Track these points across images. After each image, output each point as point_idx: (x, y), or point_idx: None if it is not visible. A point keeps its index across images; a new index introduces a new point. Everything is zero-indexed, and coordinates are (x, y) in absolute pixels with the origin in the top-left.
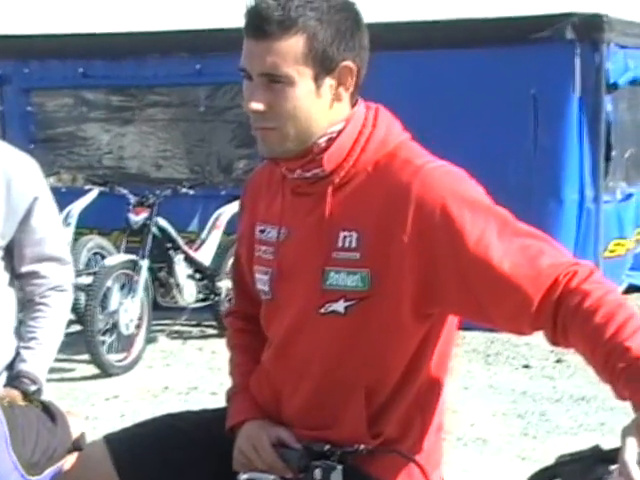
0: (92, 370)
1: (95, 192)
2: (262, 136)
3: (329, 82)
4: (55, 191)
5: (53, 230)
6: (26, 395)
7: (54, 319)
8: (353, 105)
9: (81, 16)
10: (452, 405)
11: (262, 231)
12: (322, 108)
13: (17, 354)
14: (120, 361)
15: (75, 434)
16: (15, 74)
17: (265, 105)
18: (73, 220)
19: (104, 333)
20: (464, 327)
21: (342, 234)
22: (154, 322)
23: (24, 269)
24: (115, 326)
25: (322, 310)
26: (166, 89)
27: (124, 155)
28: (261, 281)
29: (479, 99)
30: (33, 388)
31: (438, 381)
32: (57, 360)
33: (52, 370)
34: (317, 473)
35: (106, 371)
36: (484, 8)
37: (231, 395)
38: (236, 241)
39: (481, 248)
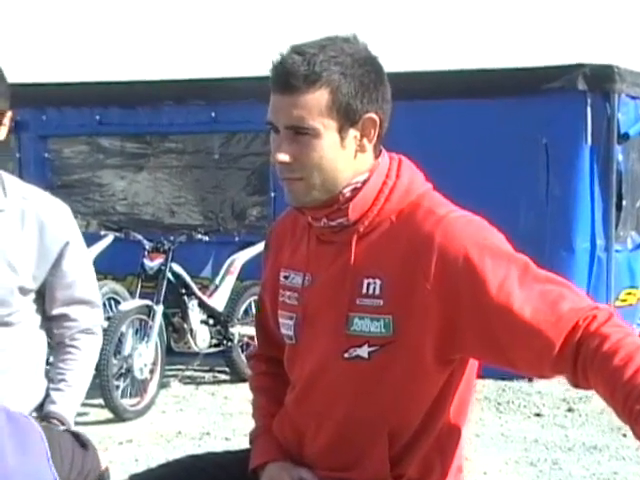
0: (106, 414)
1: (110, 238)
2: (289, 186)
3: (353, 133)
4: None
5: (84, 274)
6: None
7: (83, 362)
8: (377, 156)
9: (97, 64)
10: (464, 453)
11: (286, 277)
12: (347, 159)
13: (47, 395)
14: (133, 406)
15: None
16: (32, 121)
17: (291, 157)
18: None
19: (118, 378)
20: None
21: (366, 281)
22: (167, 367)
23: (55, 312)
24: (129, 371)
25: (346, 355)
26: (181, 136)
27: (139, 201)
28: (285, 326)
29: (492, 149)
30: (62, 429)
31: (458, 424)
32: None
33: None
34: None
35: (119, 415)
36: (496, 59)
37: (254, 437)
38: (260, 286)
39: (503, 295)
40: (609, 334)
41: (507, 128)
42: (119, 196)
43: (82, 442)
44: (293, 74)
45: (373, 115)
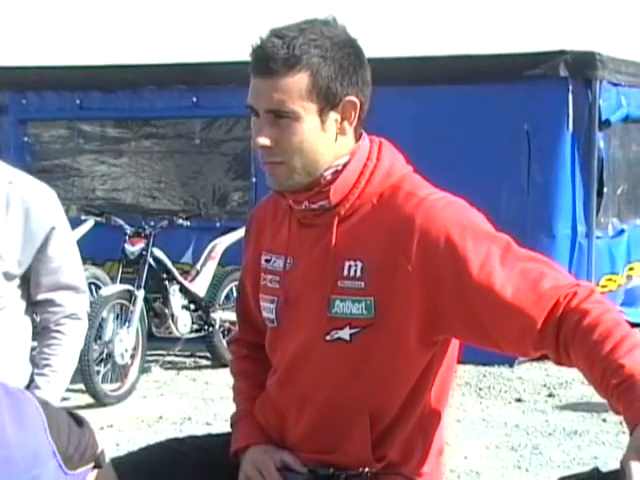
0: (86, 399)
1: (91, 222)
2: (270, 170)
3: (334, 116)
4: None
5: (69, 259)
6: None
7: (68, 347)
8: (357, 139)
9: (78, 48)
10: (445, 438)
11: (268, 260)
12: (327, 142)
13: (31, 380)
14: (114, 391)
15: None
16: (12, 105)
17: (272, 140)
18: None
19: (99, 363)
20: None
21: (347, 263)
22: (148, 352)
23: (40, 297)
24: (110, 356)
25: (328, 337)
26: (162, 121)
27: (119, 186)
28: (267, 309)
29: (473, 135)
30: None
31: (439, 407)
32: None
33: None
34: None
35: (100, 400)
36: (478, 45)
37: (235, 420)
38: (241, 270)
39: (484, 274)
40: (589, 310)
41: (489, 114)
42: (100, 181)
43: (78, 420)
44: (273, 58)
45: (353, 98)
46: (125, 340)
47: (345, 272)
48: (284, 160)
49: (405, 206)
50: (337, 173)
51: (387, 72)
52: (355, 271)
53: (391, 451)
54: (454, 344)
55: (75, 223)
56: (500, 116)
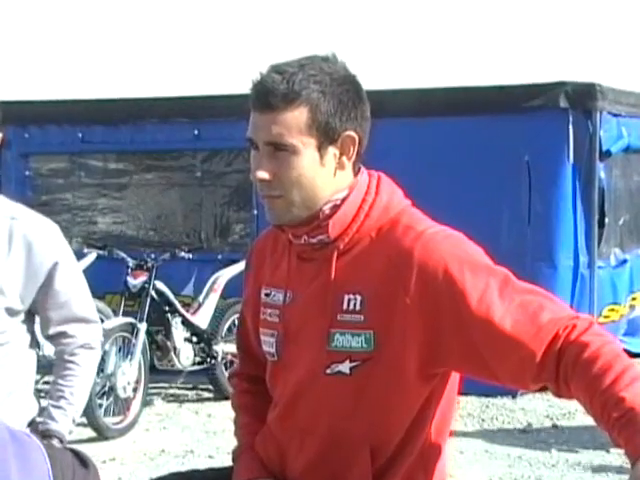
0: (89, 433)
1: (93, 255)
2: (269, 204)
3: (332, 151)
4: None
5: (77, 292)
6: None
7: (82, 377)
8: (356, 173)
9: (80, 82)
10: (448, 469)
11: (268, 294)
12: (326, 176)
13: (41, 412)
14: (117, 424)
15: None
16: (14, 139)
17: (271, 174)
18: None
19: (101, 396)
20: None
21: (347, 297)
22: (150, 385)
23: (52, 331)
24: (112, 389)
25: (328, 371)
26: (164, 154)
27: (122, 219)
28: (267, 343)
29: (474, 166)
30: (61, 447)
31: (440, 440)
32: None
33: None
34: None
35: (103, 434)
36: (479, 77)
37: (237, 455)
38: (242, 303)
39: (483, 308)
40: (589, 342)
41: (490, 146)
42: (101, 214)
43: (82, 460)
44: (272, 92)
45: (352, 133)
46: (127, 373)
47: (345, 306)
48: (283, 194)
49: (404, 239)
50: (336, 207)
51: (388, 104)
52: (355, 304)
53: None
54: (454, 377)
55: (77, 256)
56: (501, 147)
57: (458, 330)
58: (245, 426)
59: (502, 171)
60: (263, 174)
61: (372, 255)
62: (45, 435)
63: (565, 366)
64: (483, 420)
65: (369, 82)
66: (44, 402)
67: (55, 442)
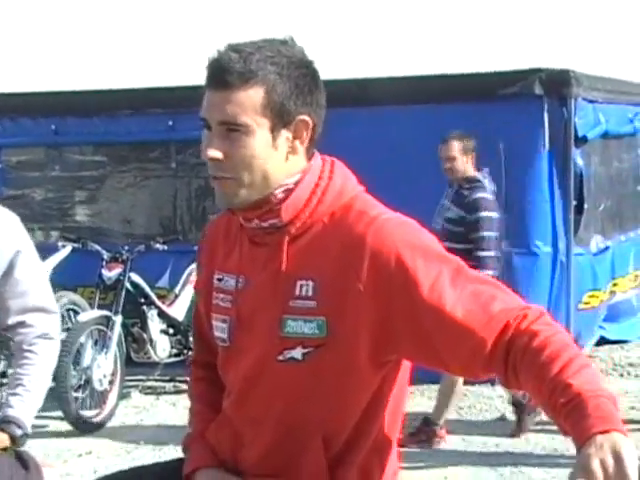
0: (65, 426)
1: (68, 249)
2: (219, 186)
3: (285, 134)
4: None
5: (37, 281)
6: (13, 439)
7: (40, 366)
8: (309, 158)
9: (54, 74)
10: (426, 458)
11: (220, 279)
12: (278, 159)
13: (5, 400)
14: (93, 417)
15: None
16: None
17: (222, 153)
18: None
19: (77, 389)
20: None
21: (299, 283)
22: (127, 378)
23: (10, 321)
24: (88, 382)
25: (280, 357)
26: (138, 145)
27: (97, 212)
28: (219, 329)
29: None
30: (19, 433)
31: (394, 428)
32: None
33: None
34: None
35: (79, 427)
36: (453, 64)
37: (187, 444)
38: (195, 289)
39: (435, 295)
40: (538, 331)
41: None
42: (76, 207)
43: (25, 463)
44: (228, 70)
45: (306, 118)
46: (103, 366)
47: (297, 291)
48: (233, 176)
49: (356, 225)
50: (288, 191)
51: (358, 92)
52: (307, 290)
53: (348, 475)
54: (406, 366)
55: (52, 249)
56: (475, 135)
57: (409, 317)
58: (198, 414)
59: (477, 159)
60: (215, 152)
61: (324, 240)
62: (3, 422)
63: (514, 355)
64: (461, 408)
65: (341, 71)
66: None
67: (14, 428)
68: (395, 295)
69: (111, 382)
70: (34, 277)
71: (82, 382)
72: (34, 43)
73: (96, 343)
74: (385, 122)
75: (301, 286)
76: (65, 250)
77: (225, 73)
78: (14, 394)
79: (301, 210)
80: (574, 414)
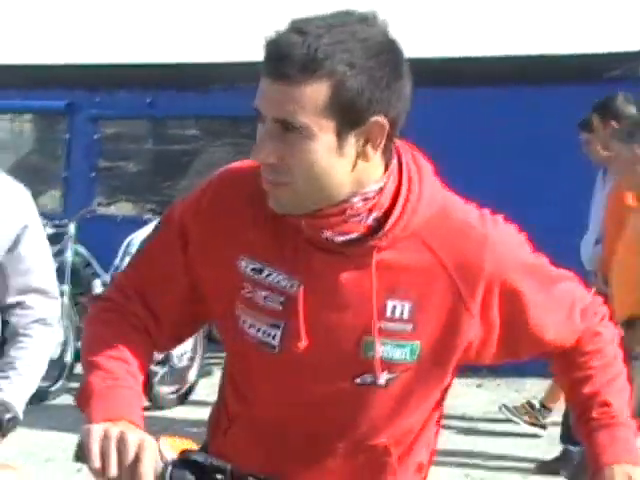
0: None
1: (156, 221)
2: (271, 190)
3: (355, 139)
4: (114, 220)
5: (41, 261)
6: (0, 423)
7: (35, 351)
8: (387, 162)
9: (150, 46)
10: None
11: (259, 271)
12: (344, 167)
13: None
14: (172, 393)
15: None
16: (84, 103)
17: (276, 158)
18: (134, 249)
19: (156, 365)
20: None
21: (391, 303)
22: (209, 355)
23: (9, 300)
24: (168, 358)
25: (358, 380)
26: (232, 120)
27: (189, 186)
28: (264, 332)
29: (551, 138)
30: (8, 416)
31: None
32: None
33: None
34: None
35: (157, 403)
36: (555, 45)
37: (109, 385)
38: (177, 250)
39: (538, 327)
40: (601, 350)
41: (567, 117)
42: (169, 180)
43: None
44: (288, 58)
45: (381, 119)
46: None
47: (389, 313)
48: (289, 181)
49: (468, 244)
50: (367, 200)
51: (455, 73)
52: (402, 312)
53: (408, 473)
54: None
55: (143, 223)
56: (578, 119)
57: (510, 339)
58: (127, 360)
59: (577, 144)
60: (267, 157)
61: (424, 256)
62: None
63: (575, 364)
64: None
65: (436, 49)
66: None
67: (1, 411)
68: (504, 317)
69: (191, 359)
70: (39, 256)
71: (161, 358)
72: (132, 15)
73: None
74: (483, 104)
75: (394, 307)
76: (153, 223)
77: (284, 62)
78: (4, 377)
79: (394, 224)
80: (603, 434)
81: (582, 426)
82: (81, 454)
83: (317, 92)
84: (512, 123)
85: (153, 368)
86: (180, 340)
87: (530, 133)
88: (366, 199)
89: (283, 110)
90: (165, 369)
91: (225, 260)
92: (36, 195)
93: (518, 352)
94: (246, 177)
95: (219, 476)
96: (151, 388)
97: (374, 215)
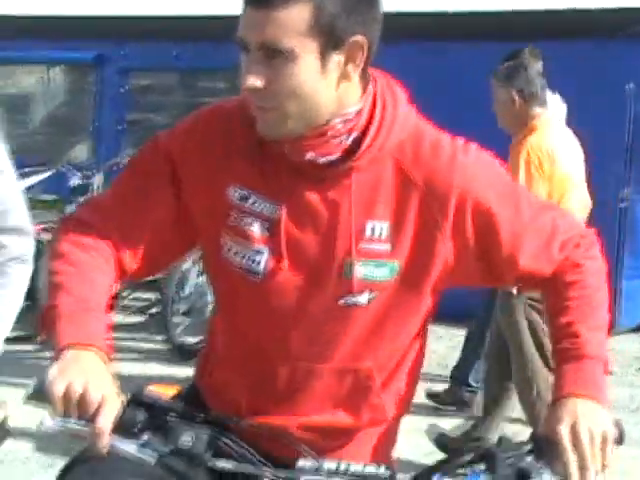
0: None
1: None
2: (261, 116)
3: (336, 58)
4: None
5: (16, 201)
6: None
7: (12, 289)
8: (366, 84)
9: None
10: None
11: (245, 198)
12: (328, 87)
13: None
14: (196, 344)
15: None
16: (113, 55)
17: (264, 81)
18: None
19: (181, 315)
20: None
21: (370, 223)
22: None
23: None
24: (192, 309)
25: (342, 301)
26: None
27: None
28: (248, 258)
29: (575, 92)
30: None
31: (425, 346)
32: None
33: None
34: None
35: (181, 353)
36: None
37: (78, 309)
38: (157, 175)
39: (512, 243)
40: (582, 272)
41: (586, 73)
42: None
43: None
44: None
45: (360, 38)
46: (208, 293)
47: (368, 233)
48: (276, 106)
49: (438, 164)
50: (348, 122)
51: (471, 28)
52: (380, 232)
53: (388, 401)
54: None
55: None
56: (602, 74)
57: (485, 258)
58: (96, 283)
59: (602, 100)
60: (254, 81)
61: (399, 177)
62: None
63: (555, 288)
64: None
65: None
66: None
67: None
68: (477, 236)
69: None
70: (14, 197)
71: (186, 308)
72: None
73: (203, 272)
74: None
75: (373, 227)
76: None
77: None
78: None
79: (370, 144)
80: (566, 362)
81: (554, 356)
82: (34, 397)
83: (299, 15)
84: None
85: (177, 319)
86: (154, 267)
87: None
88: (346, 120)
89: (267, 35)
90: (190, 320)
91: (215, 189)
92: (66, 146)
93: (497, 275)
94: (235, 111)
95: (171, 415)
96: (175, 339)
97: (353, 136)
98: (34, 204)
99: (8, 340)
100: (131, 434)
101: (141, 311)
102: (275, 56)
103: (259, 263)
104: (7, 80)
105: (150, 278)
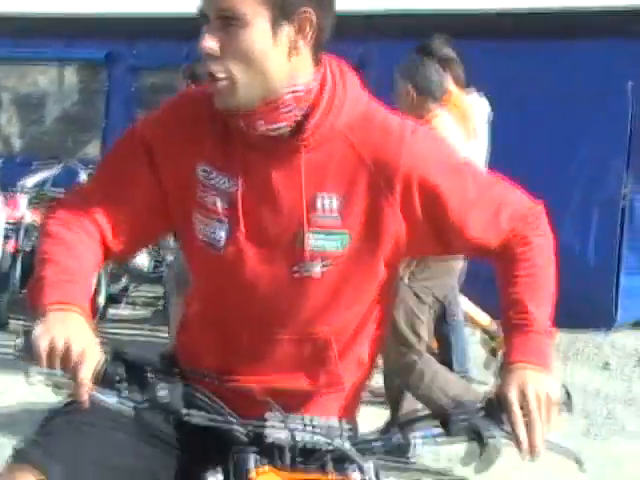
0: None
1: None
2: (214, 87)
3: (287, 30)
4: None
5: None
6: None
7: None
8: (317, 63)
9: None
10: None
11: (208, 174)
12: (279, 57)
13: None
14: None
15: None
16: (123, 54)
17: (219, 44)
18: None
19: None
20: None
21: (320, 196)
22: None
23: None
24: None
25: (296, 273)
26: None
27: None
28: (210, 232)
29: (576, 93)
30: None
31: (388, 313)
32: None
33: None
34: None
35: None
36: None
37: (63, 279)
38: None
39: (460, 217)
40: (528, 243)
41: (589, 72)
42: None
43: None
44: None
45: (310, 11)
46: None
47: (318, 205)
48: (228, 74)
49: (386, 143)
50: (298, 98)
51: (493, 25)
52: (330, 205)
53: (349, 367)
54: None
55: None
56: (603, 73)
57: (434, 232)
58: (82, 257)
59: (602, 100)
60: (209, 42)
61: (348, 155)
62: None
63: (504, 258)
64: (568, 354)
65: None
66: None
67: None
68: (425, 212)
69: None
70: None
71: None
72: None
73: None
74: (513, 57)
75: (323, 199)
76: None
77: None
78: None
79: (320, 121)
80: (515, 334)
81: (502, 325)
82: (19, 354)
83: None
84: (539, 77)
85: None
86: (136, 247)
87: (557, 87)
88: (296, 96)
89: (224, 2)
90: None
91: (185, 170)
92: (77, 143)
93: (449, 246)
94: (203, 96)
95: (149, 371)
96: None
97: (304, 110)
98: (44, 198)
99: None
100: (111, 387)
101: (147, 305)
102: (230, 23)
103: (220, 235)
104: (21, 79)
105: (156, 274)
